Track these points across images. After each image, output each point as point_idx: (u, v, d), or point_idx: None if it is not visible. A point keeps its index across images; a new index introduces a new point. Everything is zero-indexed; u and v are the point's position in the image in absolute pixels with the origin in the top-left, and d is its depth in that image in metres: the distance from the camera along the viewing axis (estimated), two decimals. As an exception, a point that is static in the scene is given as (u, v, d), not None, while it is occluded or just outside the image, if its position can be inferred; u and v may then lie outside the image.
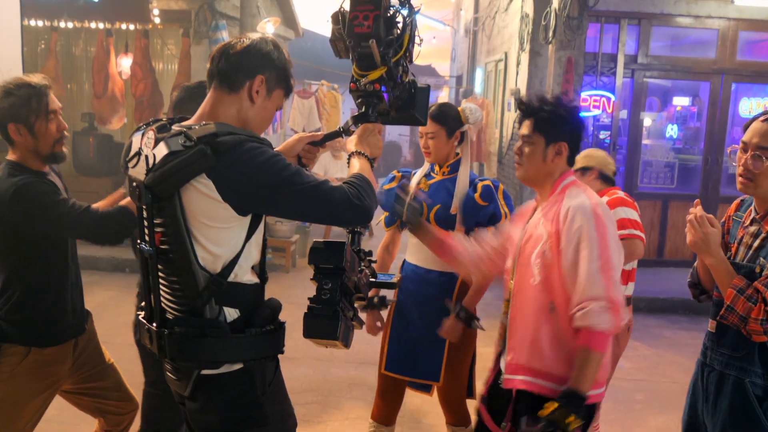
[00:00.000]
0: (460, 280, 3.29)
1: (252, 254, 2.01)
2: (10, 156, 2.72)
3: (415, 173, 3.46)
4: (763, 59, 8.99)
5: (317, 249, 2.08)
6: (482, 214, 3.20)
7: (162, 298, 1.98)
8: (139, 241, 2.02)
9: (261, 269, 2.08)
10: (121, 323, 5.59)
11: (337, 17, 2.13)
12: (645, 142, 9.23)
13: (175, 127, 1.92)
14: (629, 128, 8.82)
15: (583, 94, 7.95)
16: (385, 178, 3.49)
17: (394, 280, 2.52)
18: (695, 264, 2.66)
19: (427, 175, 3.37)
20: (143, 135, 1.97)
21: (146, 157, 1.91)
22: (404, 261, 3.43)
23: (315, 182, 1.91)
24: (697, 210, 2.34)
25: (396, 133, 20.30)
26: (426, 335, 3.28)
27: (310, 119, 11.92)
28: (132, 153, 1.99)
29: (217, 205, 1.85)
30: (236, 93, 1.99)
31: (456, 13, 17.45)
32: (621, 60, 8.38)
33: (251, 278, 2.03)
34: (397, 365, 3.35)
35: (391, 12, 2.10)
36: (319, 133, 2.34)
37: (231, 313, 1.97)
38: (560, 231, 2.40)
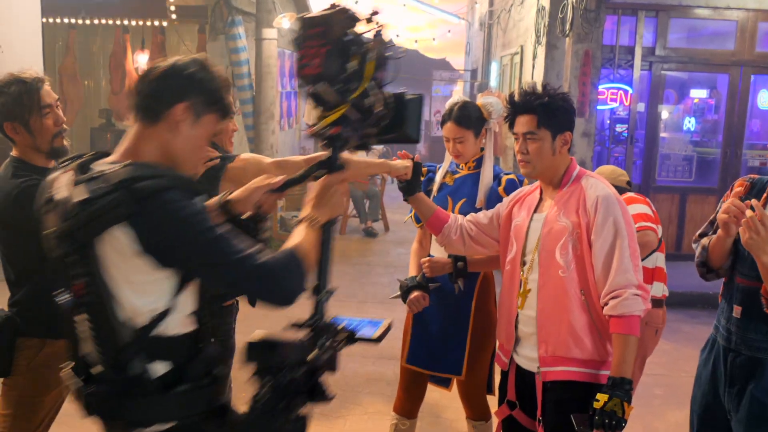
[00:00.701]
0: (481, 277, 3.30)
1: (186, 304, 1.83)
2: (14, 152, 2.69)
3: (439, 167, 3.47)
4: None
5: (253, 346, 1.83)
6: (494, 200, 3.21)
7: (86, 352, 1.80)
8: (58, 291, 1.84)
9: (202, 314, 1.89)
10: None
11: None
12: (662, 135, 9.17)
13: (96, 167, 1.75)
14: (647, 121, 8.77)
15: (600, 87, 7.90)
16: None
17: (378, 332, 2.38)
18: (702, 242, 2.67)
19: (452, 170, 3.38)
20: (60, 177, 1.80)
21: (62, 201, 1.73)
22: (430, 255, 3.44)
23: (236, 253, 1.71)
24: (757, 206, 2.31)
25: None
26: (448, 330, 3.30)
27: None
28: (48, 196, 1.80)
29: (138, 256, 1.68)
30: (157, 124, 1.80)
31: (470, 7, 17.39)
32: (638, 52, 8.31)
33: (185, 328, 1.84)
34: (418, 359, 3.37)
35: (349, 37, 1.85)
36: (278, 179, 2.14)
37: (160, 368, 1.77)
38: (590, 222, 2.46)
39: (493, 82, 12.24)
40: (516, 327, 2.68)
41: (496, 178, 3.29)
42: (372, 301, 7.21)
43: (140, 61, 9.53)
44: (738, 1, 8.27)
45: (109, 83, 9.61)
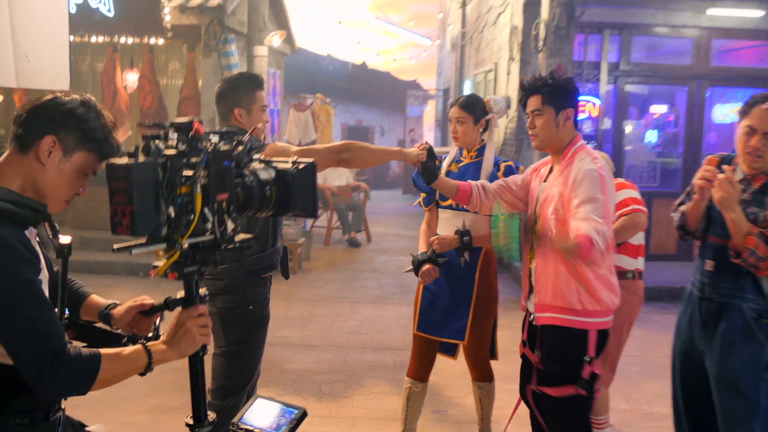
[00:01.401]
0: (483, 251, 3.76)
1: None
2: None
3: (444, 157, 3.93)
4: (734, 65, 9.62)
5: None
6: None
7: None
8: None
9: None
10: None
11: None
12: (627, 148, 9.78)
13: None
14: (613, 133, 9.35)
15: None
16: None
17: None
18: (681, 209, 3.14)
19: (456, 159, 3.84)
20: None
21: None
22: (438, 234, 3.88)
23: (30, 316, 1.66)
24: (727, 171, 2.76)
25: (385, 144, 20.81)
26: (454, 299, 3.73)
27: (306, 131, 12.34)
28: None
29: None
30: (26, 153, 1.80)
31: (441, 29, 18.04)
32: (604, 67, 8.95)
33: (5, 360, 1.74)
34: (428, 326, 3.79)
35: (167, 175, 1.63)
36: (148, 302, 2.08)
37: None
38: (571, 191, 2.85)
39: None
40: (530, 279, 3.13)
41: (496, 164, 3.77)
42: (363, 301, 7.62)
43: (129, 79, 9.83)
44: (694, 20, 8.97)
45: (99, 100, 9.87)
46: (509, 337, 6.25)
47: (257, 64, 8.44)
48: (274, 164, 1.90)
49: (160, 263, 1.69)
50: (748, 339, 2.88)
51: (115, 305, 2.11)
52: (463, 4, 13.28)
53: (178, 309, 1.82)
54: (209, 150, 1.65)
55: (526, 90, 3.05)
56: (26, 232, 1.77)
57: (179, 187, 1.62)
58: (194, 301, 1.81)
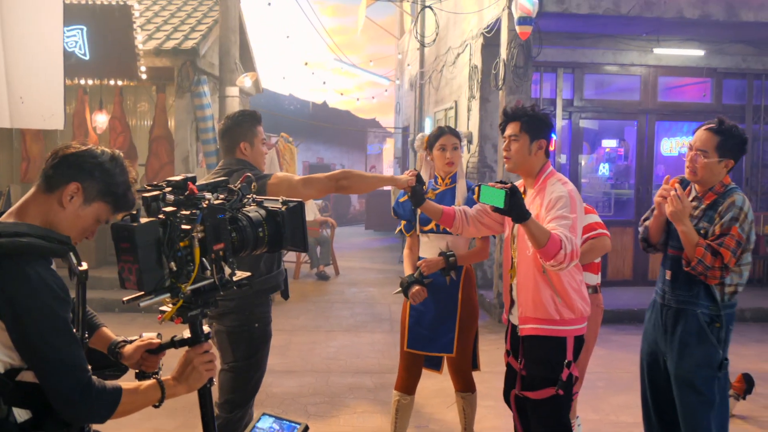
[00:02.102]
0: (464, 270, 4.09)
1: None
2: None
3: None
4: (679, 100, 10.28)
5: None
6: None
7: None
8: None
9: None
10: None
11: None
12: (583, 180, 10.29)
13: None
14: (569, 167, 9.81)
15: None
16: (399, 194, 4.29)
17: None
18: (645, 224, 3.53)
19: (432, 187, 4.17)
20: None
21: None
22: (419, 257, 4.19)
23: (63, 350, 1.82)
24: (678, 188, 3.17)
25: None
26: (440, 316, 4.04)
27: (271, 169, 12.58)
28: None
29: None
30: (51, 194, 1.94)
31: (399, 69, 18.59)
32: (559, 104, 9.49)
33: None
34: (417, 343, 4.07)
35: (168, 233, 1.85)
36: (155, 341, 2.24)
37: (21, 414, 1.88)
38: (546, 213, 3.17)
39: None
40: (510, 293, 3.46)
41: (470, 189, 4.12)
42: (338, 329, 7.86)
43: (99, 120, 9.99)
44: (641, 59, 9.60)
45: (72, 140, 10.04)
46: (490, 359, 6.57)
47: (229, 104, 8.74)
48: (265, 204, 2.12)
49: (167, 308, 1.91)
50: (701, 341, 3.25)
51: (125, 343, 2.25)
52: (422, 46, 13.81)
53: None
54: (204, 207, 1.88)
55: (508, 116, 3.37)
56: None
57: (178, 242, 1.82)
58: (200, 340, 2.02)
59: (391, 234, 16.99)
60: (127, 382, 2.02)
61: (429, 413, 5.23)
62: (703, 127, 3.29)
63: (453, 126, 11.13)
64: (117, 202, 2.00)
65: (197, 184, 2.00)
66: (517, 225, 3.38)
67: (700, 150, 3.24)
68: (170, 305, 1.91)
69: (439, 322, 4.04)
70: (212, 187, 2.07)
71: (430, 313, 4.06)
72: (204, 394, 2.06)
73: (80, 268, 1.96)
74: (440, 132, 4.10)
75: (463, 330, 4.05)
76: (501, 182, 3.00)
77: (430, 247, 4.08)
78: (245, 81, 8.81)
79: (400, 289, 4.07)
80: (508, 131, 3.35)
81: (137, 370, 2.22)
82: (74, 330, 1.89)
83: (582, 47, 9.40)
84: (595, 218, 4.30)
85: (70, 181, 1.93)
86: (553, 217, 3.13)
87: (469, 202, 4.01)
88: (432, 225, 4.01)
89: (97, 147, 2.02)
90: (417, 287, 3.97)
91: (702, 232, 3.20)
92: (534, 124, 3.31)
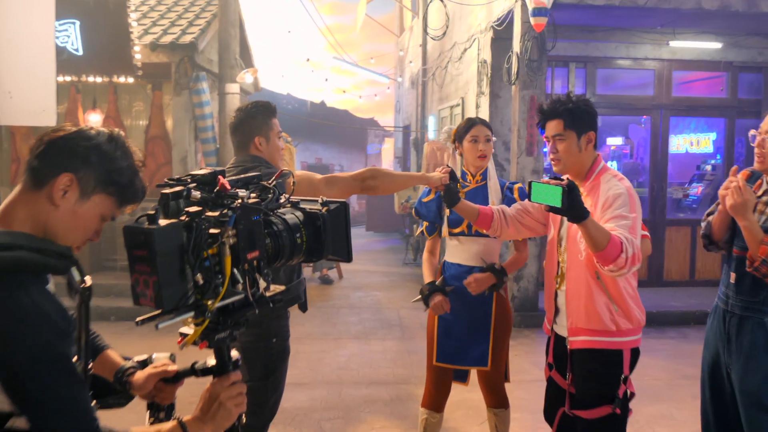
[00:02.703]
0: None
1: None
2: None
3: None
4: (694, 95, 9.96)
5: None
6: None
7: None
8: None
9: None
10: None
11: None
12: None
13: None
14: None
15: (544, 131, 8.62)
16: (422, 192, 3.93)
17: None
18: (708, 219, 3.19)
19: (462, 184, 3.82)
20: None
21: None
22: (445, 262, 3.84)
23: (64, 396, 1.45)
24: (739, 178, 2.80)
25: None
26: (473, 326, 3.69)
27: (271, 169, 12.27)
28: None
29: None
30: (39, 190, 1.58)
31: (399, 67, 18.27)
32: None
33: None
34: (448, 356, 3.72)
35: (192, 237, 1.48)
36: (171, 369, 1.92)
37: None
38: (602, 214, 2.85)
39: (431, 134, 12.94)
40: (555, 301, 3.12)
41: (509, 188, 3.78)
42: (347, 336, 7.51)
43: (92, 120, 9.65)
44: (654, 53, 9.28)
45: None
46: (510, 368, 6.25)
47: (229, 101, 8.37)
48: (302, 205, 1.78)
49: (188, 330, 1.56)
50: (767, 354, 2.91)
51: (134, 370, 1.92)
52: (424, 44, 13.48)
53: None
54: (237, 206, 1.53)
55: (546, 114, 3.03)
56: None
57: (206, 249, 1.48)
58: (227, 369, 1.66)
59: (393, 235, 16.66)
60: (142, 427, 1.66)
61: (453, 428, 4.88)
62: None
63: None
64: (122, 193, 1.66)
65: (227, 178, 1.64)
66: (565, 226, 3.06)
67: None
68: (193, 325, 1.55)
69: (471, 333, 3.70)
70: (244, 183, 1.70)
71: (461, 323, 3.72)
72: None
73: (83, 285, 1.60)
74: (471, 123, 3.74)
75: (498, 341, 3.72)
76: (555, 177, 2.66)
77: (461, 251, 3.73)
78: (246, 77, 8.45)
79: (420, 296, 3.73)
80: (551, 131, 3.01)
81: (149, 401, 1.89)
82: (77, 363, 1.54)
83: (595, 41, 9.08)
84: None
85: (60, 171, 1.57)
86: (612, 216, 2.80)
87: (508, 201, 3.68)
88: (463, 227, 3.66)
89: (91, 127, 1.65)
90: (439, 297, 3.64)
91: None
92: (578, 117, 2.97)
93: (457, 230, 3.71)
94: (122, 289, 8.32)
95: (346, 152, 22.57)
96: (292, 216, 1.74)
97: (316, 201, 1.80)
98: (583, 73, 9.27)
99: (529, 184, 2.68)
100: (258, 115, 3.23)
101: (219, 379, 1.66)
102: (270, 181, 1.75)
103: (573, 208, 2.55)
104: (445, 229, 3.76)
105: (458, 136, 3.78)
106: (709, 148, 10.59)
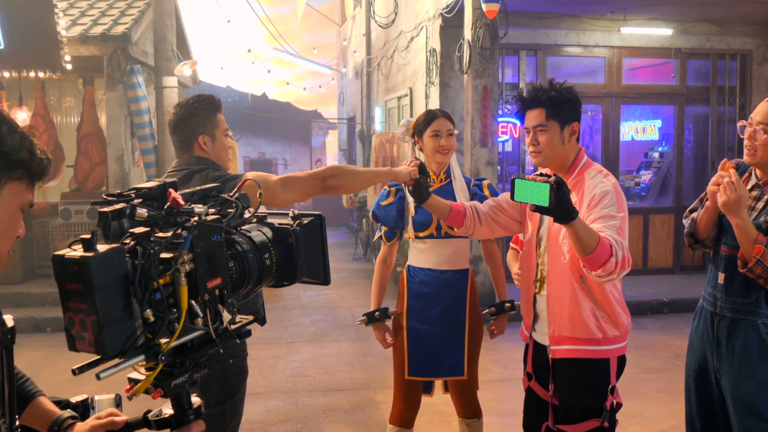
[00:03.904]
0: (471, 277, 3.48)
1: None
2: None
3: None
4: (644, 82, 9.91)
5: None
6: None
7: None
8: None
9: None
10: (63, 380, 5.38)
11: None
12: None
13: None
14: (518, 155, 9.33)
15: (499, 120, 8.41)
16: (380, 194, 3.62)
17: None
18: (692, 215, 2.98)
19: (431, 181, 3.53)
20: None
21: None
22: (410, 267, 3.54)
23: None
24: (732, 173, 2.58)
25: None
26: (448, 333, 3.42)
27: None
28: None
29: None
30: None
31: (342, 57, 17.90)
32: (523, 88, 8.97)
33: None
34: (421, 368, 3.45)
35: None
36: (119, 419, 1.60)
37: None
38: (588, 213, 2.61)
39: (378, 126, 12.64)
40: (534, 306, 2.86)
41: (476, 185, 3.50)
42: (300, 340, 7.17)
43: (18, 118, 9.05)
44: (605, 39, 9.17)
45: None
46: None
47: (166, 95, 7.91)
48: (270, 220, 1.52)
49: (139, 375, 1.32)
50: (764, 358, 2.71)
51: (74, 422, 1.63)
52: (368, 33, 13.17)
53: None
54: (193, 224, 1.28)
55: (527, 102, 2.76)
56: None
57: (156, 279, 1.23)
58: (188, 419, 1.43)
59: (340, 230, 16.32)
60: None
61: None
62: (766, 99, 2.74)
63: (409, 114, 10.57)
64: (28, 170, 1.40)
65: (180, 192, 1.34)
66: (545, 225, 2.80)
67: (763, 123, 2.68)
68: (144, 370, 1.30)
69: (445, 342, 3.43)
70: (201, 197, 1.41)
71: (434, 334, 3.43)
72: None
73: (2, 327, 1.33)
74: (432, 116, 3.43)
75: (472, 346, 3.47)
76: (542, 174, 2.40)
77: (429, 255, 3.44)
78: (184, 70, 7.99)
79: (363, 319, 3.51)
80: (531, 121, 2.74)
81: None
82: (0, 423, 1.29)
83: (545, 28, 8.91)
84: None
85: None
86: (599, 216, 2.56)
87: (477, 198, 3.41)
88: (431, 229, 3.38)
89: None
90: (378, 334, 3.55)
91: (764, 227, 2.65)
92: (562, 106, 2.70)
93: (424, 233, 3.41)
94: (57, 297, 7.78)
95: (290, 146, 22.09)
96: (258, 233, 1.46)
97: (287, 214, 1.53)
98: (534, 61, 9.10)
99: (512, 181, 2.39)
100: (201, 111, 2.87)
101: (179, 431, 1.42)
102: (232, 193, 1.43)
103: (561, 208, 2.28)
104: (410, 232, 3.46)
105: (417, 131, 3.46)
106: (655, 136, 10.60)
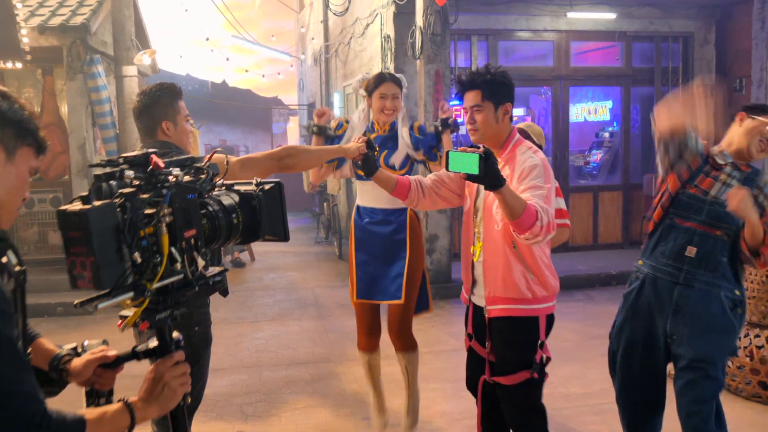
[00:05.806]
0: (409, 212, 3.95)
1: None
2: None
3: (348, 122, 4.11)
4: (591, 65, 10.30)
5: None
6: (425, 141, 3.97)
7: None
8: None
9: None
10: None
11: None
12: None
13: None
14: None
15: (451, 104, 8.70)
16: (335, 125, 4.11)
17: None
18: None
19: (369, 130, 3.97)
20: None
21: None
22: (358, 206, 4.00)
23: (11, 379, 1.40)
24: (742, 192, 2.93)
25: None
26: (388, 261, 3.89)
27: (175, 153, 11.92)
28: None
29: None
30: None
31: (301, 44, 18.02)
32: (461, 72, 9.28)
33: None
34: (366, 292, 3.93)
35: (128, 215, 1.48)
36: (111, 354, 1.85)
37: None
38: (518, 184, 2.89)
39: (337, 111, 12.85)
40: (472, 272, 3.17)
41: (412, 129, 3.98)
42: (263, 319, 7.42)
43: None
44: (553, 24, 9.51)
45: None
46: (427, 339, 6.32)
47: (127, 84, 8.04)
48: (236, 187, 1.82)
49: (128, 312, 1.57)
50: (726, 327, 3.11)
51: (70, 357, 1.86)
52: (326, 19, 13.34)
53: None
54: (172, 184, 1.56)
55: (465, 85, 3.05)
56: None
57: (142, 228, 1.51)
58: (169, 349, 1.69)
59: (302, 215, 16.55)
60: (89, 409, 1.61)
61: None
62: None
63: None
64: (36, 139, 1.62)
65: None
66: (481, 197, 3.10)
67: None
68: (133, 307, 1.57)
69: (387, 269, 3.91)
70: (178, 164, 1.69)
71: (377, 261, 3.93)
72: (177, 416, 1.74)
73: (17, 268, 1.57)
74: (381, 79, 3.88)
75: (411, 279, 3.90)
76: (472, 146, 2.69)
77: (373, 196, 3.92)
78: (144, 59, 8.13)
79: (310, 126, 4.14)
80: (469, 101, 3.03)
81: (87, 388, 1.85)
82: (23, 353, 1.49)
83: (495, 13, 9.20)
84: (562, 203, 4.08)
85: None
86: (527, 186, 2.85)
87: (423, 144, 3.94)
88: None
89: None
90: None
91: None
92: (496, 88, 3.00)
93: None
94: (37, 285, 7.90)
95: (252, 132, 22.19)
96: (227, 197, 1.77)
97: (251, 182, 1.82)
98: (485, 45, 9.40)
99: (446, 153, 2.68)
100: (163, 99, 3.10)
101: (162, 360, 1.67)
102: (203, 163, 1.74)
103: (490, 176, 2.57)
104: (350, 170, 4.02)
105: (368, 90, 3.93)
106: (606, 116, 11.00)
